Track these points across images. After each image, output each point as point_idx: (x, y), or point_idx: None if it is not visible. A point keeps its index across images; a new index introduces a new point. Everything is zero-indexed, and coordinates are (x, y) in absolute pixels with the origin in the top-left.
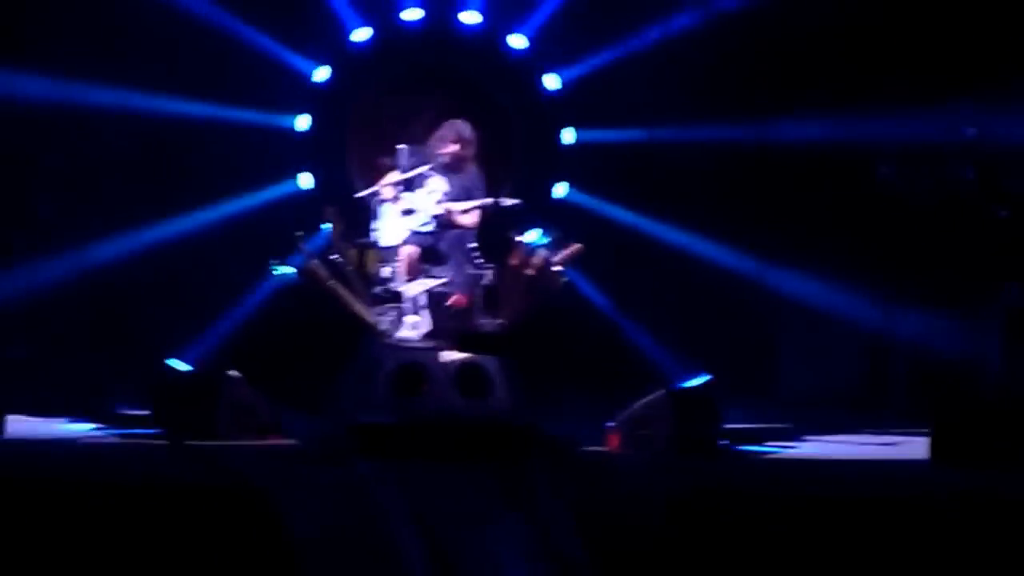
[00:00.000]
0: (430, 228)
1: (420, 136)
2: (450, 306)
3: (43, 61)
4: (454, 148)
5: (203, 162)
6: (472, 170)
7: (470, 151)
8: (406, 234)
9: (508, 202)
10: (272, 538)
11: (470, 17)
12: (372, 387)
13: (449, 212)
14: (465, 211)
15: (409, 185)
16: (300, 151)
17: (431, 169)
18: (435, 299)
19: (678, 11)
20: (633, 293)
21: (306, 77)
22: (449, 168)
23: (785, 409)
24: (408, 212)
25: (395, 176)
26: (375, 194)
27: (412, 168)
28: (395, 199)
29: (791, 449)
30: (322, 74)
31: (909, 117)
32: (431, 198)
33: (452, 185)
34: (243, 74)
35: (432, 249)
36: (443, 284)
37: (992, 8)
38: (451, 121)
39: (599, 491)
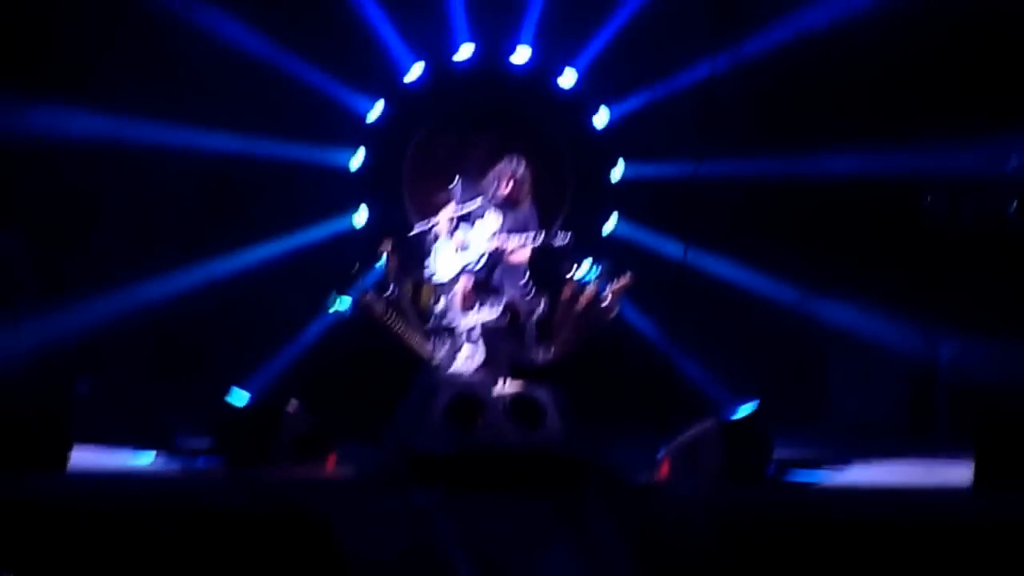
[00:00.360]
0: (483, 263)
1: (473, 172)
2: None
3: (104, 100)
4: (509, 185)
5: (261, 198)
6: (526, 206)
7: (525, 188)
8: (459, 269)
9: (559, 238)
10: (331, 566)
11: (521, 54)
12: (428, 418)
13: (502, 247)
14: (517, 246)
15: (464, 220)
16: (355, 187)
17: (486, 205)
18: (487, 331)
19: (724, 47)
20: (683, 324)
21: (361, 114)
22: (504, 204)
23: (833, 436)
24: (463, 247)
25: (450, 211)
26: (430, 229)
27: (467, 203)
28: (450, 234)
29: (838, 476)
30: (376, 111)
31: (953, 149)
32: (485, 234)
33: (506, 221)
34: (299, 111)
35: (485, 283)
36: (495, 318)
37: None
38: (507, 157)
39: (651, 520)
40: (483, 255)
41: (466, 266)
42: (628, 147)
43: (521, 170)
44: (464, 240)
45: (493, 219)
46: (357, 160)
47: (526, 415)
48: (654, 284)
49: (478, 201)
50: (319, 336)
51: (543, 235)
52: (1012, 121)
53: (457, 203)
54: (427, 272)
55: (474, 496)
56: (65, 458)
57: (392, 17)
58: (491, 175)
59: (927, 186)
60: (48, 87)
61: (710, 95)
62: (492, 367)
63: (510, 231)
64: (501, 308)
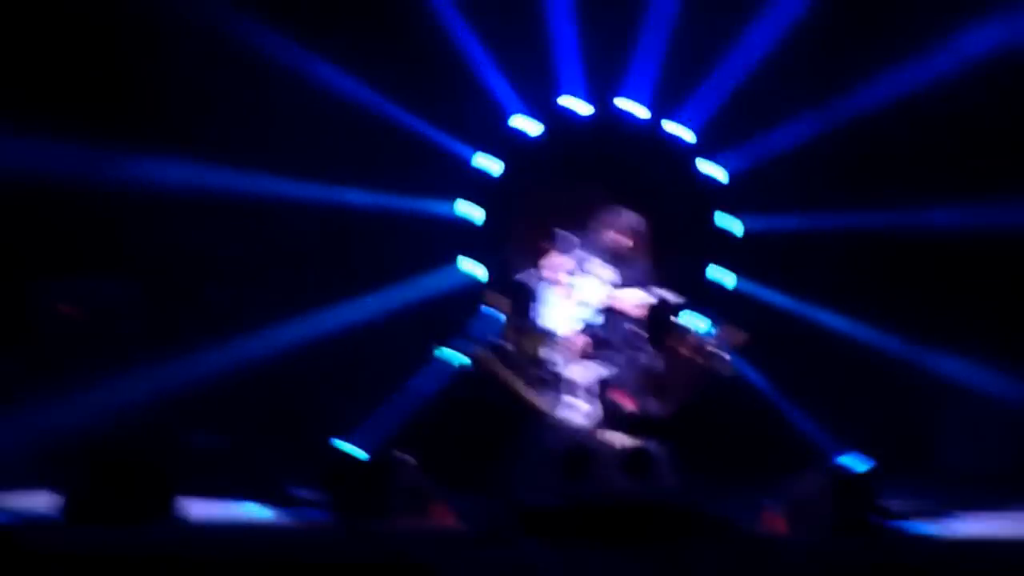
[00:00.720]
0: (597, 318)
1: (584, 223)
2: (613, 400)
3: (219, 152)
4: (621, 238)
5: (372, 249)
6: (641, 260)
7: (639, 241)
8: (572, 321)
9: (672, 298)
10: None
11: (634, 107)
12: (539, 470)
13: (615, 303)
14: (632, 304)
15: (575, 271)
16: (466, 238)
17: (597, 256)
18: (600, 385)
19: (835, 100)
20: (794, 376)
21: (469, 165)
22: (617, 257)
23: (942, 487)
24: (574, 299)
25: (560, 261)
26: (538, 278)
27: (577, 254)
28: (560, 284)
29: (947, 527)
30: (487, 163)
31: None
32: (598, 286)
33: (620, 274)
34: (410, 163)
35: (598, 335)
36: (608, 371)
37: None
38: (619, 210)
39: (760, 571)
40: (597, 310)
41: (580, 319)
42: (740, 200)
43: (635, 224)
44: (575, 291)
45: (605, 272)
46: (467, 211)
47: (637, 467)
48: (764, 336)
49: (588, 253)
50: (429, 387)
51: (656, 296)
52: None
53: (567, 254)
54: (537, 322)
55: (584, 548)
56: (170, 508)
57: (504, 70)
58: (601, 226)
59: None
60: (162, 139)
61: (820, 148)
62: (603, 419)
63: (624, 284)
64: (613, 361)
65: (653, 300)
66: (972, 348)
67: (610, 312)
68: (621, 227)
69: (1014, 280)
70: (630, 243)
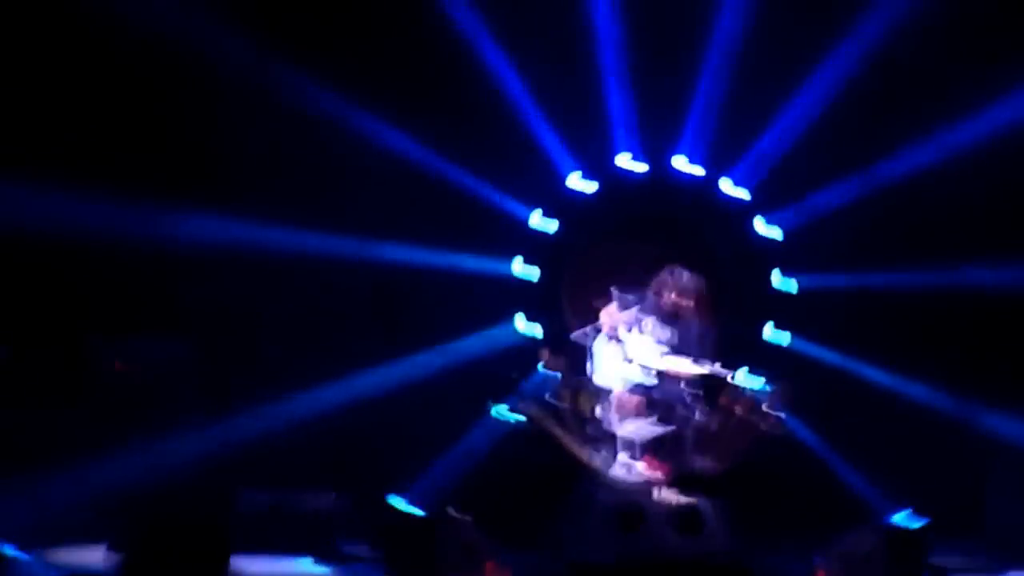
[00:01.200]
0: (649, 380)
1: (636, 280)
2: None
3: (273, 214)
4: (681, 299)
5: (426, 306)
6: (694, 320)
7: (691, 301)
8: (626, 380)
9: (723, 372)
10: None
11: (688, 165)
12: (589, 525)
13: (669, 370)
14: (684, 372)
15: (631, 330)
16: (519, 295)
17: (650, 315)
18: (651, 441)
19: (883, 161)
20: (845, 433)
21: (523, 223)
22: (670, 316)
23: (991, 546)
24: (626, 357)
25: (616, 320)
26: (594, 337)
27: (633, 313)
28: (613, 341)
29: None
30: (540, 220)
31: None
32: (650, 346)
33: (672, 333)
34: (464, 220)
35: (651, 394)
36: (662, 430)
37: None
38: (673, 268)
39: None
40: (648, 372)
41: (633, 378)
42: (793, 257)
43: (688, 283)
44: (627, 350)
45: (657, 331)
46: (520, 268)
47: (688, 524)
48: (817, 394)
49: (644, 312)
50: (481, 443)
51: (707, 368)
52: None
53: (620, 311)
54: (590, 381)
55: None
56: (226, 570)
57: (558, 129)
58: (655, 284)
59: None
60: (218, 198)
61: (875, 204)
62: (654, 475)
63: (680, 345)
64: (667, 420)
65: (703, 371)
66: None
67: (661, 376)
68: (681, 288)
69: None
70: (689, 304)
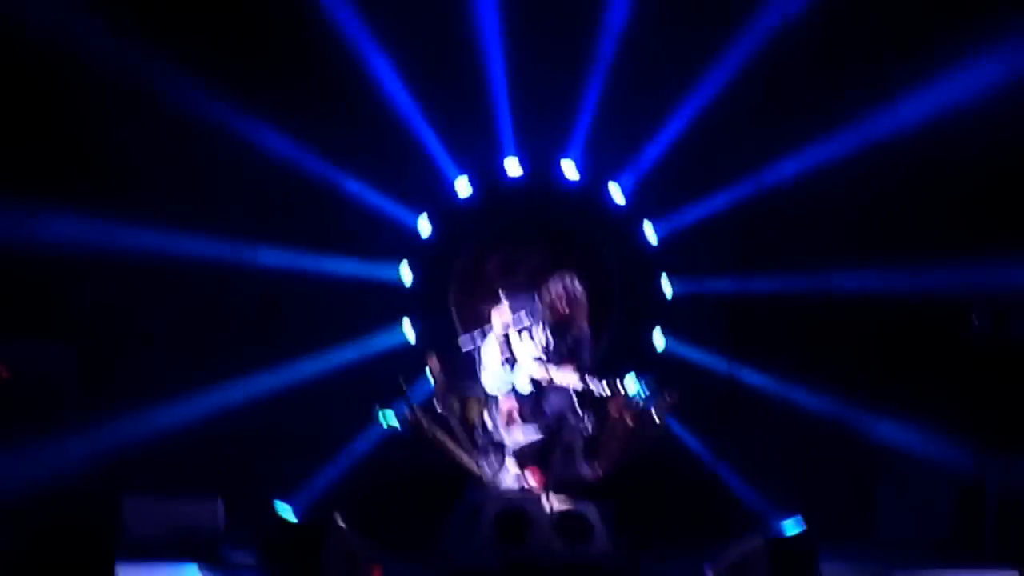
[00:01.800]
0: (529, 388)
1: (522, 286)
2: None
3: (153, 214)
4: (559, 303)
5: (309, 312)
6: (579, 326)
7: (577, 308)
8: (508, 385)
9: (594, 385)
10: None
11: (570, 169)
12: (475, 533)
13: (545, 379)
14: (559, 382)
15: (514, 336)
16: (404, 302)
17: (535, 322)
18: (535, 449)
19: (775, 159)
20: (729, 439)
21: (409, 228)
22: (555, 322)
23: (880, 552)
24: (510, 364)
25: (499, 326)
26: (478, 339)
27: (516, 319)
28: (499, 349)
29: None
30: (425, 226)
31: (998, 266)
32: (533, 353)
33: (556, 340)
34: (348, 227)
35: (532, 399)
36: (543, 435)
37: None
38: (560, 275)
39: None
40: (529, 380)
41: (515, 384)
42: (675, 263)
43: (572, 287)
44: (512, 357)
45: (541, 337)
46: (405, 275)
47: (573, 531)
48: (701, 400)
49: (527, 317)
50: (366, 451)
51: (578, 382)
52: None
53: (506, 318)
54: (474, 386)
55: None
56: (109, 573)
57: (440, 133)
58: (543, 292)
59: (976, 303)
60: (98, 201)
61: (758, 209)
62: (539, 483)
63: (559, 352)
64: (548, 425)
65: (579, 387)
66: (912, 413)
67: (541, 384)
68: (560, 292)
69: (953, 344)
70: (566, 309)
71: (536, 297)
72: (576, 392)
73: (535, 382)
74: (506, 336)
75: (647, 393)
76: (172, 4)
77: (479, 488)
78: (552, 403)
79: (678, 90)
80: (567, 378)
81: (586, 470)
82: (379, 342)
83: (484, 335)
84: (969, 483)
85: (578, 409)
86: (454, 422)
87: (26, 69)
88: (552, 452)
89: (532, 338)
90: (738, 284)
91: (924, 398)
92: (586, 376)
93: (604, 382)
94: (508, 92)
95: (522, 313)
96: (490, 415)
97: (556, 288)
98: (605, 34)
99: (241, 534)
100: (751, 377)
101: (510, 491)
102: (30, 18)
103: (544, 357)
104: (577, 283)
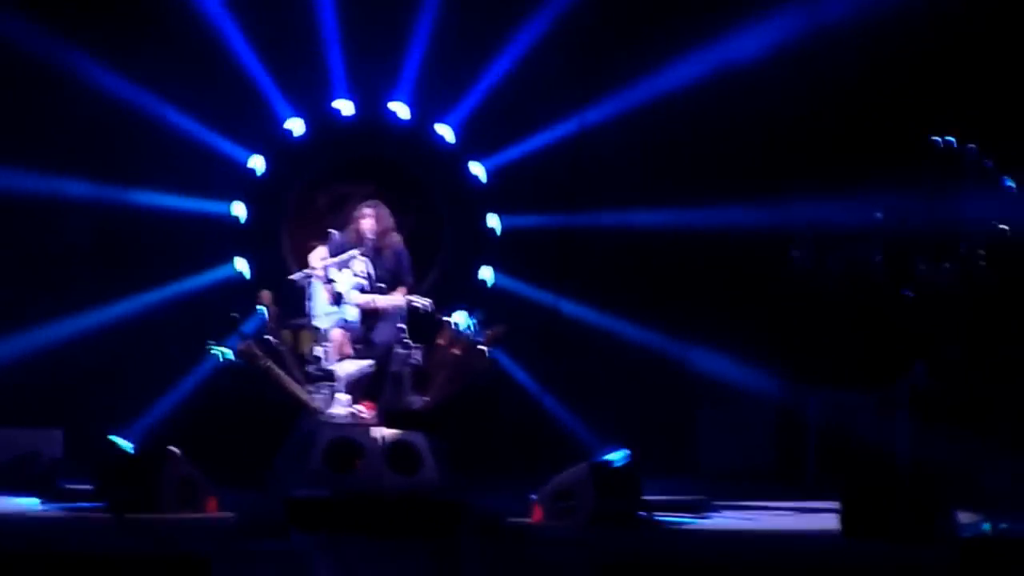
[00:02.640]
0: (355, 315)
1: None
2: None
3: None
4: (370, 228)
5: (145, 247)
6: (394, 251)
7: (387, 230)
8: (335, 318)
9: (419, 302)
10: None
11: (399, 109)
12: (306, 462)
13: (368, 305)
14: (382, 305)
15: (340, 268)
16: (236, 237)
17: (356, 251)
18: (370, 383)
19: (598, 100)
20: (555, 372)
21: (242, 166)
22: (371, 249)
23: (702, 482)
24: (336, 295)
25: (324, 258)
26: (307, 276)
27: (341, 251)
28: (326, 281)
29: (707, 521)
30: (257, 164)
31: (819, 203)
32: (354, 282)
33: (376, 267)
34: (182, 163)
35: (361, 331)
36: (372, 366)
37: (899, 101)
38: (367, 203)
39: (525, 563)
40: (353, 307)
41: (342, 315)
42: (504, 199)
43: (379, 213)
44: (336, 288)
45: (361, 266)
46: (238, 210)
47: (403, 461)
48: (528, 333)
49: (348, 248)
50: (200, 383)
51: (403, 301)
52: (876, 175)
53: (331, 251)
54: (305, 320)
55: (352, 539)
56: None
57: (273, 72)
58: (353, 220)
59: (796, 238)
60: None
61: (581, 148)
62: (371, 414)
63: (379, 278)
64: (377, 356)
65: (403, 304)
66: (733, 346)
67: (366, 312)
68: (364, 216)
69: (774, 279)
70: (375, 232)
71: (351, 227)
72: (403, 324)
73: (363, 311)
74: (326, 271)
75: (475, 326)
76: None
77: (311, 419)
78: (381, 334)
79: (503, 34)
80: (392, 300)
81: (418, 401)
82: (213, 276)
83: (312, 269)
84: (789, 414)
85: (407, 341)
86: (286, 353)
87: None
88: (382, 383)
89: (352, 267)
90: (563, 220)
91: (745, 331)
92: (411, 295)
93: (430, 301)
94: (339, 36)
95: (343, 244)
96: (322, 347)
97: (362, 215)
98: None
99: (80, 466)
100: (576, 311)
101: (341, 421)
102: None
103: (366, 283)
104: (380, 208)
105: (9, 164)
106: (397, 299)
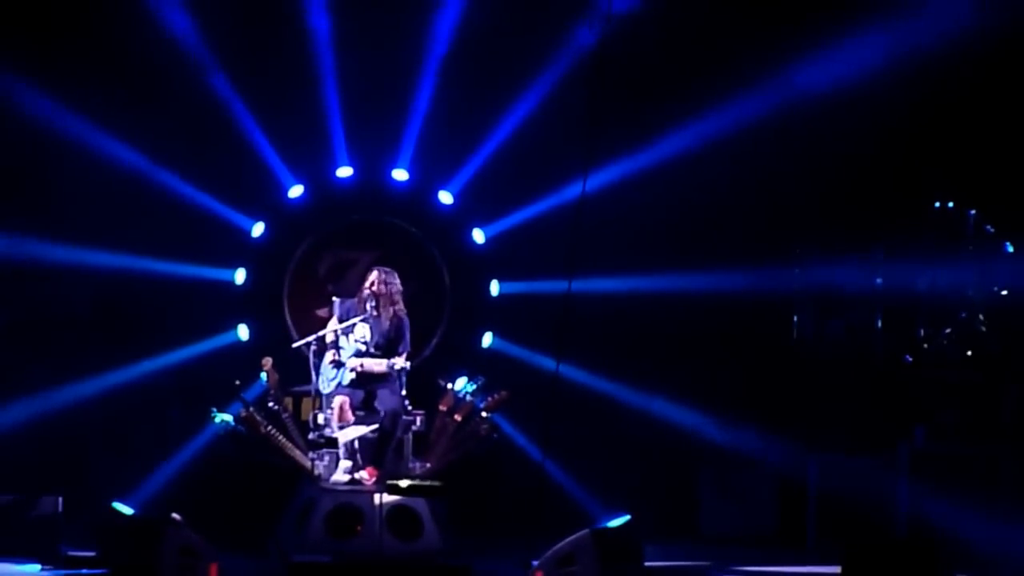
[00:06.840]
0: (355, 381)
1: (352, 288)
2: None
3: None
4: (376, 290)
5: (147, 314)
6: (392, 316)
7: (384, 296)
8: (335, 383)
9: (399, 365)
10: None
11: (399, 174)
12: (308, 528)
13: (361, 369)
14: (373, 369)
15: (344, 335)
16: (239, 304)
17: (360, 318)
18: (372, 449)
19: (596, 168)
20: (557, 437)
21: (245, 232)
22: (374, 316)
23: (703, 547)
24: (338, 362)
25: (331, 326)
26: (310, 344)
27: (349, 316)
28: (331, 348)
29: None
30: (259, 229)
31: (823, 268)
32: (355, 347)
33: (375, 332)
34: (184, 230)
35: (364, 397)
36: (373, 431)
37: (896, 167)
38: (374, 270)
39: None
40: (351, 373)
41: (344, 381)
42: (504, 264)
43: (382, 279)
44: (339, 355)
45: (362, 331)
46: (240, 277)
47: (404, 526)
48: (529, 398)
49: (352, 315)
50: (202, 449)
51: (386, 364)
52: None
53: (337, 318)
54: (311, 387)
55: None
56: None
57: (274, 140)
58: (362, 290)
59: (799, 304)
60: None
61: (582, 215)
62: (373, 479)
63: (376, 343)
64: (381, 422)
65: (384, 369)
66: (734, 412)
67: (361, 376)
68: (374, 282)
69: (777, 345)
70: (379, 299)
71: (359, 294)
72: (404, 390)
73: (358, 375)
74: (337, 335)
75: (476, 392)
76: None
77: (312, 484)
78: (384, 401)
79: (503, 101)
80: (377, 364)
81: (420, 467)
82: (216, 343)
83: (318, 340)
84: (790, 478)
85: (409, 407)
86: (288, 420)
87: None
88: (384, 449)
89: (354, 333)
90: (563, 285)
91: (746, 395)
92: (393, 360)
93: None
94: (340, 104)
95: (347, 310)
96: (323, 413)
97: (370, 280)
98: (438, 40)
99: (80, 532)
100: (577, 375)
101: (342, 487)
102: None
103: (363, 348)
104: (381, 274)
105: (9, 230)
106: (382, 363)
